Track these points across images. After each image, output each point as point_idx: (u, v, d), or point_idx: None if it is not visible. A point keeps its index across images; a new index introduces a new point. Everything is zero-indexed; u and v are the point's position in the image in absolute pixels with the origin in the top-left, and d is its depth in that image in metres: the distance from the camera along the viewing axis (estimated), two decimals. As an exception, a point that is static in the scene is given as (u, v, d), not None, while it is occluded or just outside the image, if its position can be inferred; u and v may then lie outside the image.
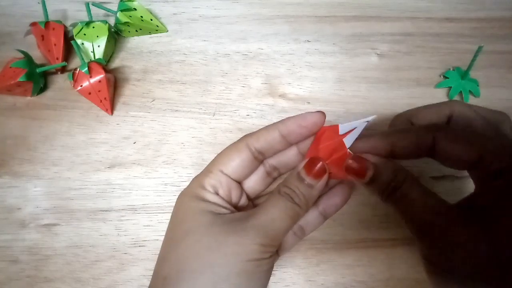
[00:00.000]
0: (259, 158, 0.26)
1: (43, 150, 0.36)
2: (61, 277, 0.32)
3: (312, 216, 0.27)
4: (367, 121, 0.24)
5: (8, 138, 0.36)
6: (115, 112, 0.38)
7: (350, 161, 0.24)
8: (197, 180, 0.25)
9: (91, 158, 0.36)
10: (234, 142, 0.26)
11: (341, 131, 0.25)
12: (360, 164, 0.24)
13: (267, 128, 0.25)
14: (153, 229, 0.33)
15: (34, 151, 0.36)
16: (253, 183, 0.27)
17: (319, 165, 0.24)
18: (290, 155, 0.27)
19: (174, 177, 0.35)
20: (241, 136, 0.26)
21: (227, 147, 0.26)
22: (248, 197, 0.27)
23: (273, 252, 0.23)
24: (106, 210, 0.34)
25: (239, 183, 0.26)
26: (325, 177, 0.25)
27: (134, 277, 0.32)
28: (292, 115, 0.25)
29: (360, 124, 0.25)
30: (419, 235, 0.23)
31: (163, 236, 0.25)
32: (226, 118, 0.38)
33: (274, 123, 0.25)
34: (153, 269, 0.24)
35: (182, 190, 0.26)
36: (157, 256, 0.25)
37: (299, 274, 0.32)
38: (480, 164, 0.22)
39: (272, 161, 0.27)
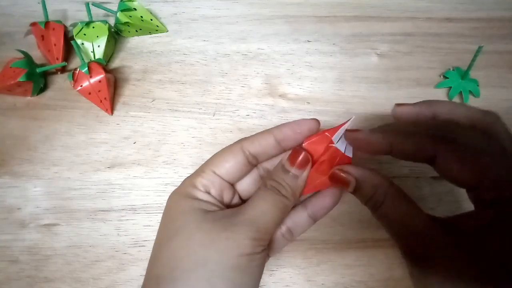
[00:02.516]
0: (252, 162, 0.26)
1: (43, 150, 0.36)
2: (61, 277, 0.32)
3: (300, 218, 0.27)
4: (349, 120, 0.26)
5: (8, 138, 0.36)
6: (115, 112, 0.38)
7: (335, 171, 0.25)
8: (189, 180, 0.25)
9: (91, 158, 0.36)
10: (229, 145, 0.26)
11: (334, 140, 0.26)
12: (343, 175, 0.25)
13: (262, 133, 0.26)
14: (153, 229, 0.33)
15: (34, 151, 0.36)
16: (246, 186, 0.28)
17: (302, 155, 0.25)
18: None
19: (174, 177, 0.35)
20: (238, 139, 0.26)
21: (221, 150, 0.26)
22: (240, 198, 0.28)
23: (265, 246, 0.24)
24: (106, 210, 0.34)
25: (232, 185, 0.27)
26: (309, 166, 0.25)
27: (134, 277, 0.32)
28: (288, 121, 0.26)
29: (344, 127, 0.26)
30: (402, 251, 0.23)
31: None
32: (226, 118, 0.38)
33: (269, 129, 0.26)
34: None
35: (174, 189, 0.26)
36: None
37: (299, 274, 0.32)
38: (478, 189, 0.22)
39: (266, 165, 0.28)
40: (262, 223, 0.23)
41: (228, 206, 0.26)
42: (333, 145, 0.25)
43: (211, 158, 0.26)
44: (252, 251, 0.22)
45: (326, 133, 0.26)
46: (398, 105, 0.27)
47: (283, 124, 0.26)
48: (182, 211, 0.24)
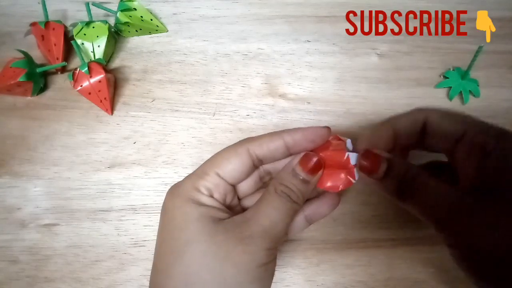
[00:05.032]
0: (257, 164, 0.26)
1: (43, 150, 0.36)
2: (61, 277, 0.32)
3: (297, 220, 0.27)
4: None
5: (8, 138, 0.36)
6: (115, 112, 0.38)
7: (363, 156, 0.24)
8: (191, 182, 0.24)
9: (91, 158, 0.36)
10: (234, 145, 0.25)
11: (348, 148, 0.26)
12: (373, 158, 0.24)
13: (271, 136, 0.25)
14: (153, 229, 0.33)
15: (34, 151, 0.36)
16: (245, 186, 0.27)
17: (314, 160, 0.24)
18: (286, 161, 0.27)
19: (174, 177, 0.35)
20: (238, 139, 0.25)
21: (226, 149, 0.25)
22: (238, 197, 0.27)
23: (276, 253, 0.24)
24: (106, 210, 0.34)
25: (234, 186, 0.26)
26: (320, 172, 0.25)
27: (134, 277, 0.32)
28: (298, 127, 0.25)
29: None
30: (441, 227, 0.22)
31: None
32: (226, 118, 0.38)
33: (279, 132, 0.25)
34: (150, 280, 0.24)
35: (171, 188, 0.25)
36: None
37: (299, 274, 0.32)
38: (464, 137, 0.24)
39: (267, 166, 0.27)
40: (275, 233, 0.23)
41: (229, 207, 0.26)
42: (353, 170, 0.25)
43: (214, 157, 0.25)
44: (267, 260, 0.22)
45: (348, 152, 0.25)
46: None
47: (295, 129, 0.25)
48: (190, 219, 0.23)
